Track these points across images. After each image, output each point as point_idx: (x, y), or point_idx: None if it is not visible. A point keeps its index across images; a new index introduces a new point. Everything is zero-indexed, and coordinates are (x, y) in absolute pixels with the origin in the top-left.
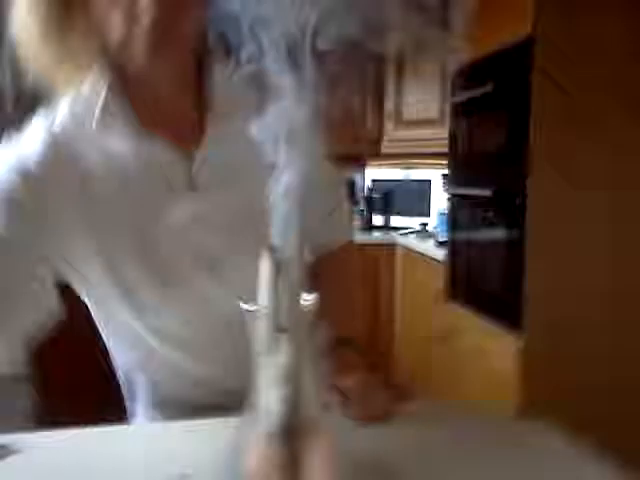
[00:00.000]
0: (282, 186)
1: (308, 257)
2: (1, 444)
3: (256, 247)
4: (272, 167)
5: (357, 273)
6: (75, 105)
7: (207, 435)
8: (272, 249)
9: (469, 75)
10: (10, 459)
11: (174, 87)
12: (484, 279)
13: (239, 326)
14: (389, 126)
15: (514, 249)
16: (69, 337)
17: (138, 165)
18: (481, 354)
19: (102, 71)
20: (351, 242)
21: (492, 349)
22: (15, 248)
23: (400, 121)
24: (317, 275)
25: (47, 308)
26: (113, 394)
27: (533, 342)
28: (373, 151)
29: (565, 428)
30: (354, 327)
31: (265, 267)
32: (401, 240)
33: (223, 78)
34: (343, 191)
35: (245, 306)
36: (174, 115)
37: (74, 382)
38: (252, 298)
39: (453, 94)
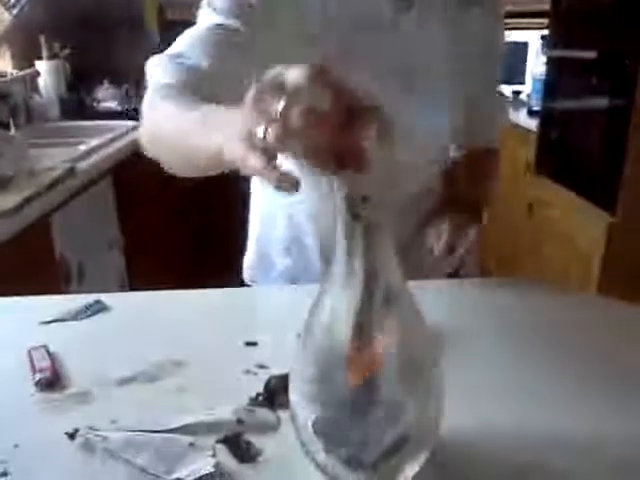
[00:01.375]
0: None
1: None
2: (97, 299)
3: None
4: None
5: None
6: None
7: (275, 302)
8: None
9: None
10: (104, 314)
11: None
12: (579, 151)
13: None
14: None
15: (617, 120)
16: (157, 216)
17: None
18: (567, 229)
19: None
20: (496, 151)
21: (580, 224)
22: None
23: None
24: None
25: None
26: (193, 264)
27: (624, 219)
28: None
29: None
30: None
31: None
32: None
33: None
34: (497, 97)
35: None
36: None
37: (158, 252)
38: None
39: None
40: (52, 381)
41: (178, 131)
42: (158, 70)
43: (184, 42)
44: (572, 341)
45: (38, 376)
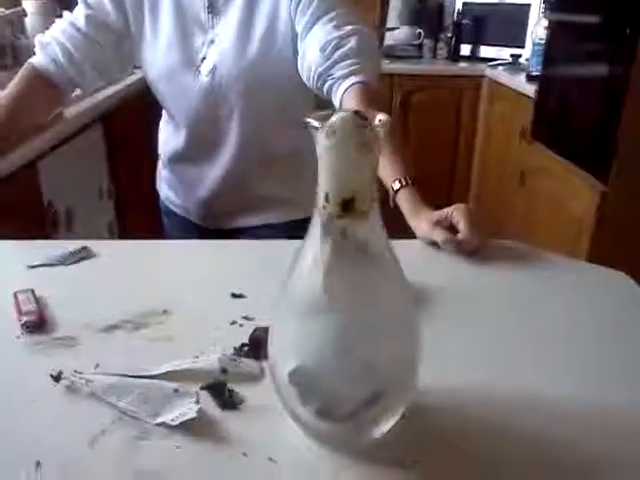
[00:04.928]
0: None
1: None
2: (84, 246)
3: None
4: None
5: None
6: None
7: (262, 255)
8: None
9: None
10: (91, 260)
11: None
12: (575, 119)
13: None
14: None
15: (614, 88)
16: (149, 165)
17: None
18: (560, 196)
19: None
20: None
21: (572, 192)
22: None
23: None
24: None
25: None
26: None
27: (616, 188)
28: None
29: (633, 279)
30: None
31: None
32: (489, 72)
33: None
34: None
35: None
36: None
37: (149, 202)
38: None
39: None
40: (38, 324)
41: None
42: (37, 50)
43: (60, 28)
44: (552, 304)
45: (24, 319)
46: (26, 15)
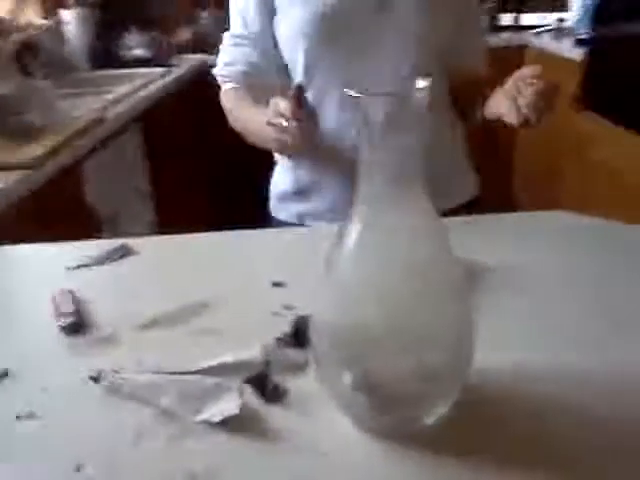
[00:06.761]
0: None
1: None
2: (122, 244)
3: None
4: None
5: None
6: None
7: (301, 244)
8: None
9: None
10: (130, 258)
11: None
12: (630, 83)
13: None
14: None
15: None
16: (187, 164)
17: None
18: (615, 167)
19: None
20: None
21: (629, 162)
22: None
23: None
24: None
25: None
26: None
27: None
28: None
29: None
30: None
31: None
32: (533, 40)
33: None
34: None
35: None
36: None
37: (188, 201)
38: None
39: None
40: (77, 325)
41: (245, 129)
42: (225, 71)
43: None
44: (610, 277)
45: (63, 321)
46: (67, 24)
